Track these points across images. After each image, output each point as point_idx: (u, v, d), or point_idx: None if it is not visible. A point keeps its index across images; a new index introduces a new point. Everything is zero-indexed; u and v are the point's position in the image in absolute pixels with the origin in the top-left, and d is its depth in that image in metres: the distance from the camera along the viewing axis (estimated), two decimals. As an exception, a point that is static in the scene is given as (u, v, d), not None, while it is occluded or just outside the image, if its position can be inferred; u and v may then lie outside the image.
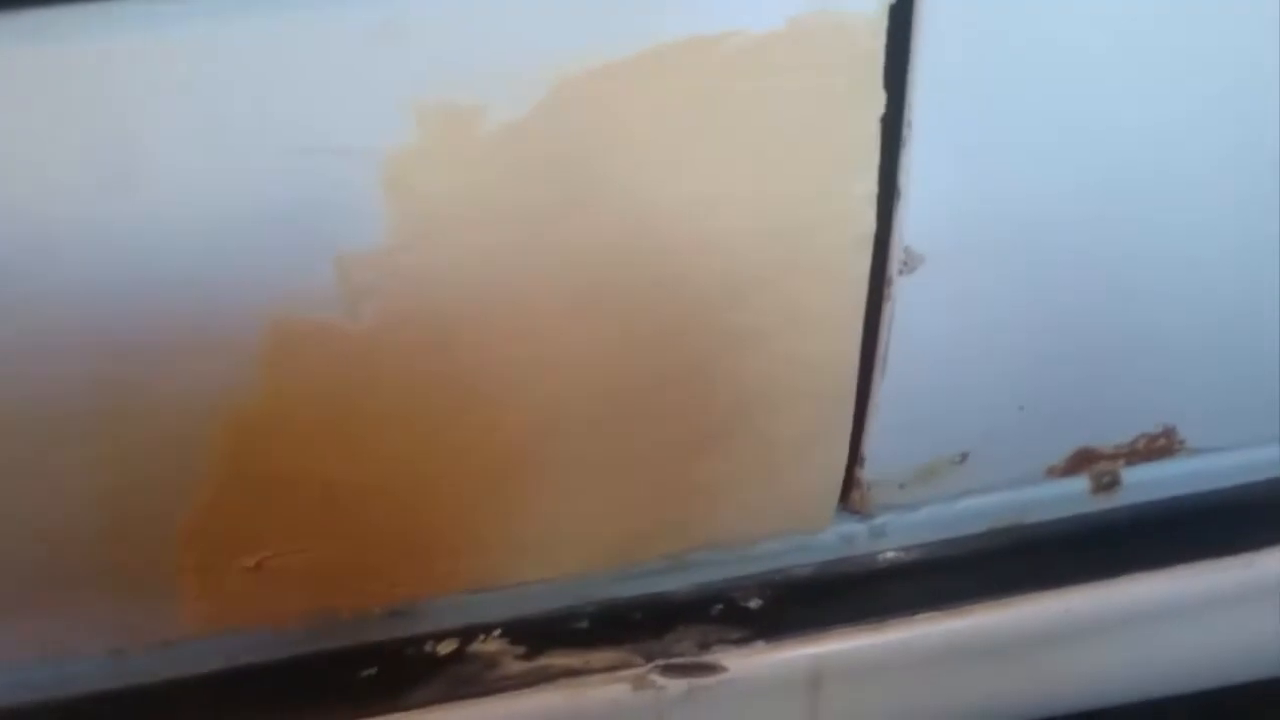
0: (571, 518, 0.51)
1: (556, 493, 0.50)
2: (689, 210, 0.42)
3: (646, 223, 0.42)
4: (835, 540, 0.56)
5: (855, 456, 0.52)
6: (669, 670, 0.53)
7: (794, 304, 0.46)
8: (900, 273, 0.46)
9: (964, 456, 0.53)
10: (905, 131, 0.42)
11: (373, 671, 0.52)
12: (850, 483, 0.53)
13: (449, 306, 0.42)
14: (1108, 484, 0.57)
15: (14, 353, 0.39)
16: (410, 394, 0.45)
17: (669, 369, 0.47)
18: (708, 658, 0.54)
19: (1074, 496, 0.57)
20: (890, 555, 0.57)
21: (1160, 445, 0.55)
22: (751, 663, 0.54)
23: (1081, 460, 0.55)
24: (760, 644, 0.54)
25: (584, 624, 0.54)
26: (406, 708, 0.52)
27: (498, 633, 0.54)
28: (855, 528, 0.56)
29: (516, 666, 0.53)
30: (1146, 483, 0.57)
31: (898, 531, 0.56)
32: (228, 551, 0.47)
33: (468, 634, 0.54)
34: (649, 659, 0.53)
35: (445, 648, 0.53)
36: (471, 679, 0.52)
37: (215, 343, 0.41)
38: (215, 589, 0.48)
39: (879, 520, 0.56)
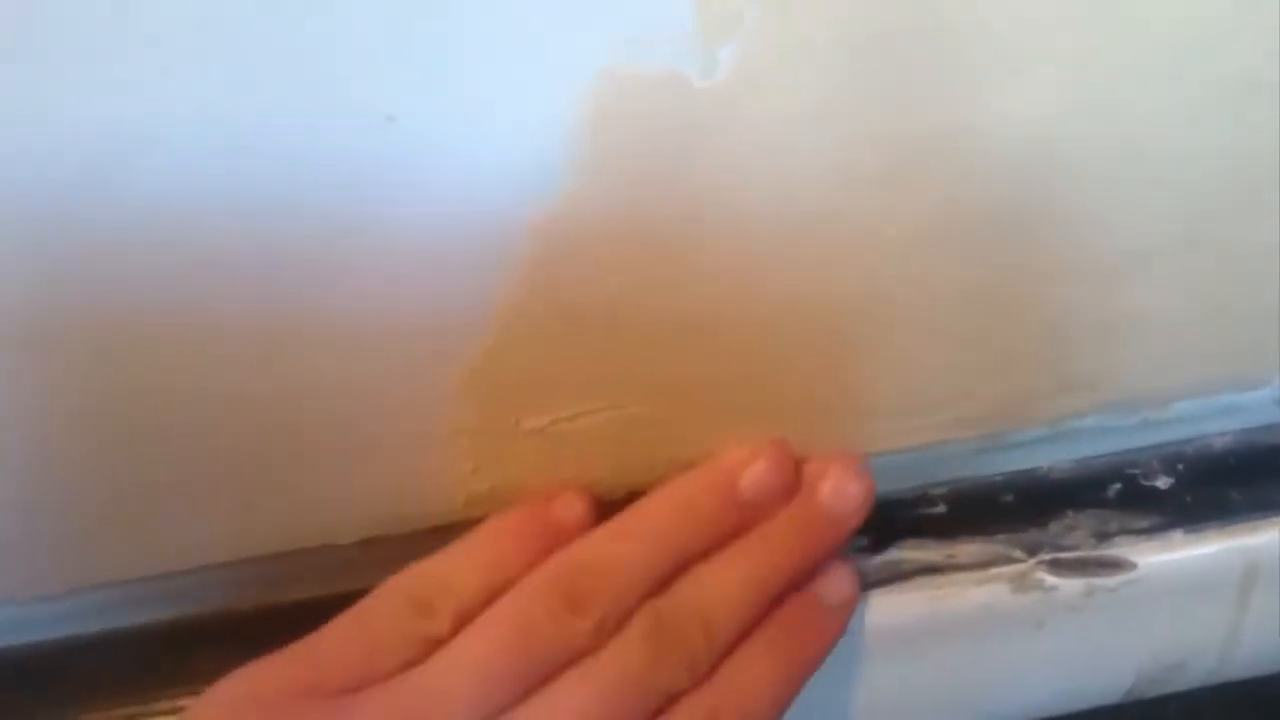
0: (931, 370, 0.38)
1: (913, 336, 0.37)
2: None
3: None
4: (1270, 398, 0.42)
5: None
6: (1061, 566, 0.41)
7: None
8: None
9: None
10: None
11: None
12: (1317, 314, 0.39)
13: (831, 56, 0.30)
14: None
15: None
16: (763, 185, 0.33)
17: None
18: (1111, 551, 0.41)
19: None
20: (1344, 418, 0.43)
21: None
22: (1168, 559, 0.41)
23: None
24: (1177, 534, 0.41)
25: (940, 509, 0.42)
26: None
27: (832, 519, 0.42)
28: (1296, 382, 0.42)
29: (860, 562, 0.41)
30: None
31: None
32: (512, 410, 0.36)
33: (795, 521, 0.42)
34: (1031, 552, 0.41)
35: (768, 538, 0.42)
36: (803, 577, 0.41)
37: (523, 93, 0.29)
38: (494, 459, 0.37)
39: (1331, 371, 0.42)
